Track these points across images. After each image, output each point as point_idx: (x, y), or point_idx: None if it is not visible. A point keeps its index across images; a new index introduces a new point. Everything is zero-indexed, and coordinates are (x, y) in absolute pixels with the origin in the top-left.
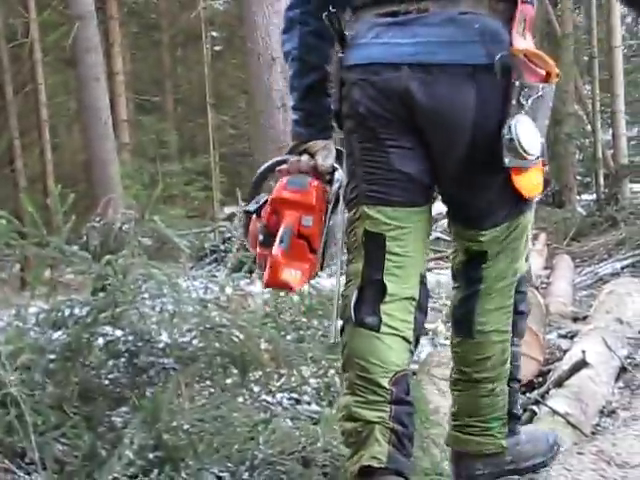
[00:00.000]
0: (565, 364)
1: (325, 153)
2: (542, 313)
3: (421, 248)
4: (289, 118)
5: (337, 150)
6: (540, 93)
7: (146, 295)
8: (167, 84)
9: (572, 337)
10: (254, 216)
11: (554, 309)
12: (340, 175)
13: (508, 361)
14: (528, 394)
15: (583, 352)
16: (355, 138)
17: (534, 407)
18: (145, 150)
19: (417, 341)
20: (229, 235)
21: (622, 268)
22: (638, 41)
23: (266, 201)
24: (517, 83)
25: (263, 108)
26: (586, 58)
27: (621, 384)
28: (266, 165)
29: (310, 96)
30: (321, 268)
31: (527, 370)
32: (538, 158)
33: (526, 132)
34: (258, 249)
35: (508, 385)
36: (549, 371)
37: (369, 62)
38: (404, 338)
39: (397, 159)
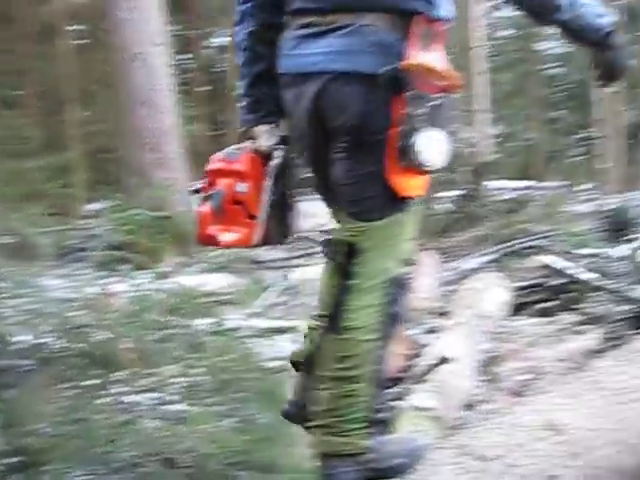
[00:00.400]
0: (429, 359)
1: (266, 136)
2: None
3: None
4: (153, 115)
5: (283, 136)
6: (437, 103)
7: (3, 295)
8: (28, 78)
9: (434, 332)
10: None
11: (419, 304)
12: (281, 154)
13: (373, 362)
14: (392, 389)
15: (446, 347)
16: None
17: (398, 402)
18: (4, 146)
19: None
20: (93, 233)
21: (484, 263)
22: (495, 41)
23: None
24: (408, 94)
25: (126, 104)
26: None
27: (482, 377)
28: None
29: (258, 84)
30: (269, 238)
31: (392, 365)
32: (425, 167)
33: (426, 144)
34: (209, 222)
35: (372, 386)
36: (411, 366)
37: (284, 71)
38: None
39: (312, 151)
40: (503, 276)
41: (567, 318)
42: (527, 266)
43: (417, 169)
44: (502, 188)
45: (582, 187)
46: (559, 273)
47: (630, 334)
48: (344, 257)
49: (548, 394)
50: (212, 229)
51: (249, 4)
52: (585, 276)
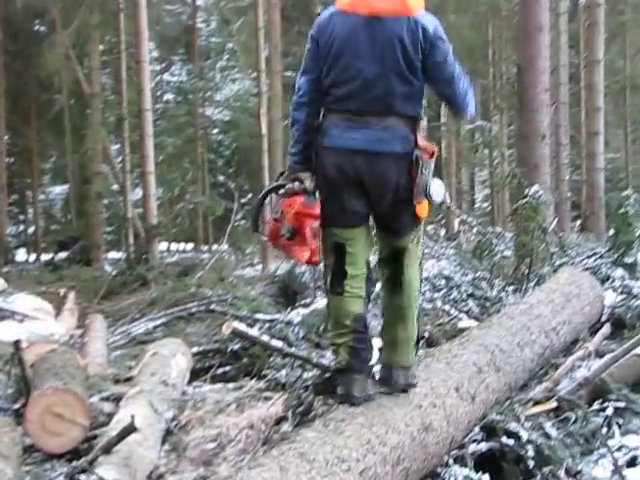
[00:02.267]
0: (113, 429)
1: (309, 180)
2: (83, 375)
3: (364, 247)
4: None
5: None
6: (430, 163)
7: None
8: None
9: (116, 400)
10: (273, 220)
11: (92, 371)
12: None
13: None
14: (75, 462)
15: (132, 416)
16: (324, 188)
17: (82, 476)
18: None
19: (369, 296)
20: None
21: (155, 327)
22: (163, 105)
23: (282, 212)
24: (421, 162)
25: None
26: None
27: (167, 447)
28: (268, 187)
29: (307, 147)
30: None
31: (71, 437)
32: (434, 201)
33: (434, 188)
34: (282, 241)
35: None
36: (95, 437)
37: (335, 147)
38: (359, 296)
39: (349, 201)
40: (182, 342)
41: (251, 384)
42: (204, 330)
43: (430, 202)
44: (170, 251)
45: (248, 251)
46: (239, 337)
47: (316, 401)
48: (396, 254)
49: (258, 468)
50: (282, 241)
51: (304, 98)
52: (267, 341)
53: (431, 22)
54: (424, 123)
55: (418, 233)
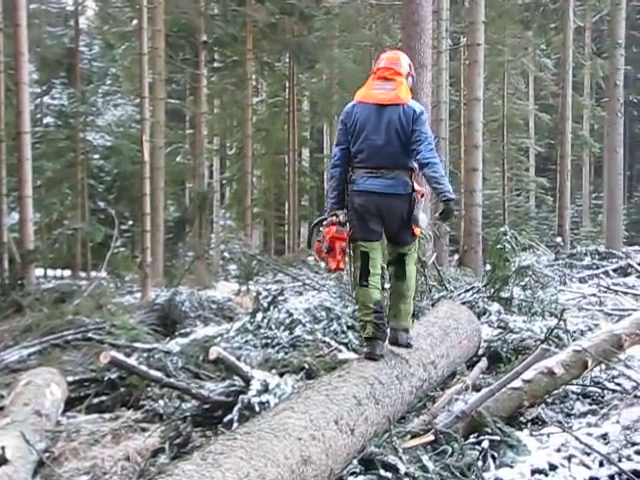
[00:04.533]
0: None
1: (343, 215)
2: None
3: (380, 255)
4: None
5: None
6: (421, 201)
7: None
8: None
9: None
10: (317, 242)
11: None
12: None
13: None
14: None
15: (2, 448)
16: (354, 216)
17: None
18: None
19: (382, 287)
20: None
21: (29, 355)
22: (43, 128)
23: (323, 236)
24: (416, 200)
25: None
26: None
27: (38, 479)
28: (316, 220)
29: (340, 194)
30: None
31: None
32: (420, 226)
33: (422, 218)
34: (323, 254)
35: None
36: None
37: (362, 190)
38: (378, 288)
39: (369, 226)
40: (57, 370)
41: (128, 414)
42: (80, 359)
43: (418, 227)
44: (47, 277)
45: (127, 279)
46: (117, 366)
47: (194, 432)
48: (400, 257)
49: None
50: (322, 255)
51: (338, 161)
52: (145, 370)
53: (418, 107)
54: None
55: (414, 244)
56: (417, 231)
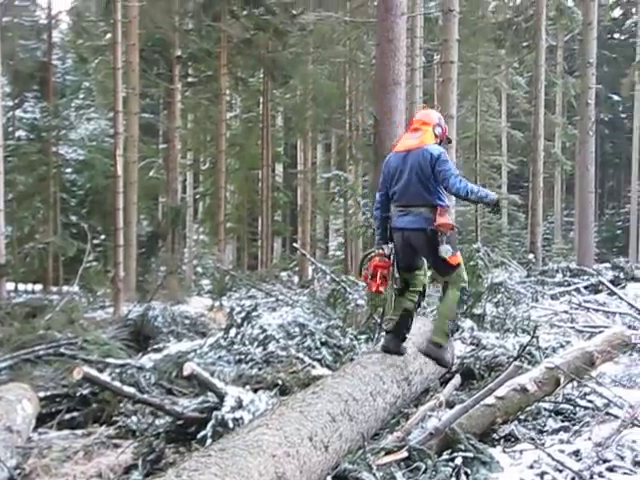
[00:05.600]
0: None
1: (388, 250)
2: None
3: (420, 278)
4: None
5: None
6: (450, 234)
7: None
8: None
9: None
10: (365, 270)
11: None
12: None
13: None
14: None
15: None
16: (395, 249)
17: None
18: None
19: (419, 303)
20: None
21: (0, 370)
22: (15, 142)
23: (369, 265)
24: (440, 234)
25: None
26: None
27: None
28: (366, 253)
29: (384, 231)
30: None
31: None
32: (449, 255)
33: (444, 249)
34: (367, 280)
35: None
36: None
37: (394, 227)
38: (411, 300)
39: (407, 257)
40: (29, 386)
41: (101, 430)
42: (52, 374)
43: (451, 257)
44: (18, 291)
45: (100, 294)
46: (90, 382)
47: (167, 449)
48: (445, 283)
49: None
50: (368, 281)
51: (379, 204)
52: (118, 386)
53: (436, 150)
54: None
55: (456, 273)
56: (453, 261)
